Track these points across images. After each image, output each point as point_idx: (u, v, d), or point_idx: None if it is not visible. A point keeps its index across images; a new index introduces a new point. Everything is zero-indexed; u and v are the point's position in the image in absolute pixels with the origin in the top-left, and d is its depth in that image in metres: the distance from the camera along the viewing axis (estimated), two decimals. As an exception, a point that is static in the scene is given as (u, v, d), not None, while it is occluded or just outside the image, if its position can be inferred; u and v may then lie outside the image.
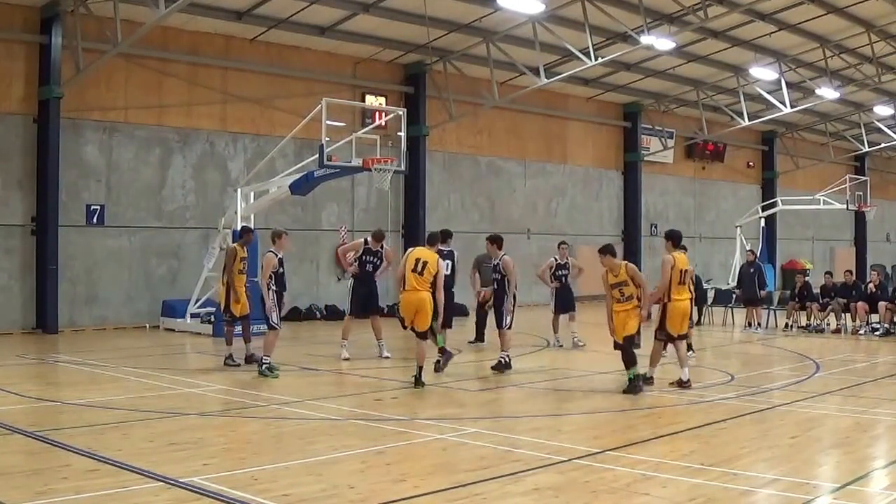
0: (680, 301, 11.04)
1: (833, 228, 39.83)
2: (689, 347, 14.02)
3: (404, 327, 11.46)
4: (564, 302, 15.82)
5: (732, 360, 15.07)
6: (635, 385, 10.60)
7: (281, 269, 12.23)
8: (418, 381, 11.01)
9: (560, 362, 14.23)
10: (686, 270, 11.19)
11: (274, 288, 12.06)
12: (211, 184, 21.15)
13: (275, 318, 12.02)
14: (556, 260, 15.98)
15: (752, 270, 20.07)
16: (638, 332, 10.80)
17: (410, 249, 11.87)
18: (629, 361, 10.70)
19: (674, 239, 11.37)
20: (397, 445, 8.01)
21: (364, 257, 13.73)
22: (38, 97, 18.18)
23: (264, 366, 11.90)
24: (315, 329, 19.75)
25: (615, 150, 31.10)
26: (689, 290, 11.28)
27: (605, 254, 10.96)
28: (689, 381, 10.98)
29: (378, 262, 13.83)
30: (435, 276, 11.25)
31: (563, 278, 15.82)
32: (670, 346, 11.33)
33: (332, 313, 21.68)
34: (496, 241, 13.11)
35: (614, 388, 12.00)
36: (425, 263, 11.24)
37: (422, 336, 11.27)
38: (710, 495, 6.30)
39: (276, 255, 12.17)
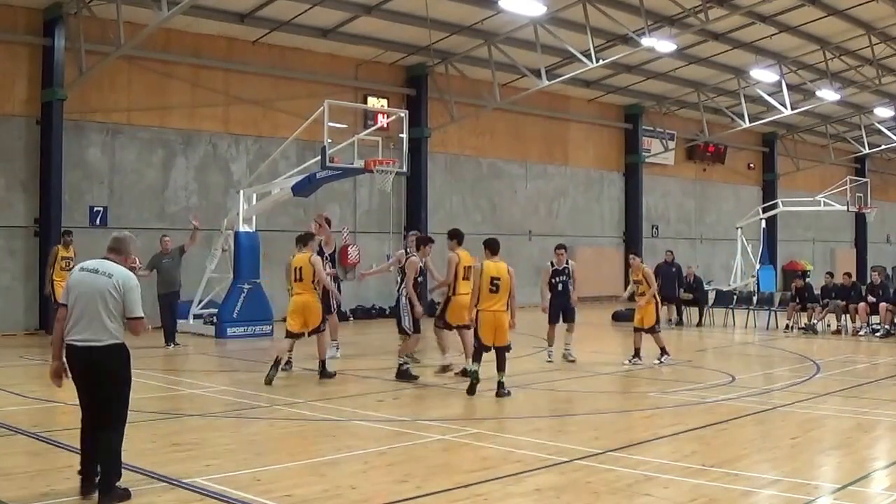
0: (464, 295, 11.54)
1: (833, 230, 39.82)
2: (664, 351, 13.70)
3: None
4: (555, 311, 14.04)
5: (733, 361, 15.08)
6: None
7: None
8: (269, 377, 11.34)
9: (561, 363, 14.23)
10: (470, 266, 11.58)
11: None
12: (213, 185, 21.19)
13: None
14: (553, 265, 14.19)
15: (672, 270, 21.56)
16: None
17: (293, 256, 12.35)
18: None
19: (458, 238, 12.05)
20: (399, 446, 8.03)
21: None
22: (41, 99, 18.21)
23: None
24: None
25: (616, 151, 31.12)
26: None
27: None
28: (450, 366, 11.86)
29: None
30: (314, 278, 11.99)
31: (560, 285, 14.03)
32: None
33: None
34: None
35: (615, 389, 12.07)
36: (301, 269, 11.94)
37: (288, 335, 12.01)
38: (712, 496, 6.33)
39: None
